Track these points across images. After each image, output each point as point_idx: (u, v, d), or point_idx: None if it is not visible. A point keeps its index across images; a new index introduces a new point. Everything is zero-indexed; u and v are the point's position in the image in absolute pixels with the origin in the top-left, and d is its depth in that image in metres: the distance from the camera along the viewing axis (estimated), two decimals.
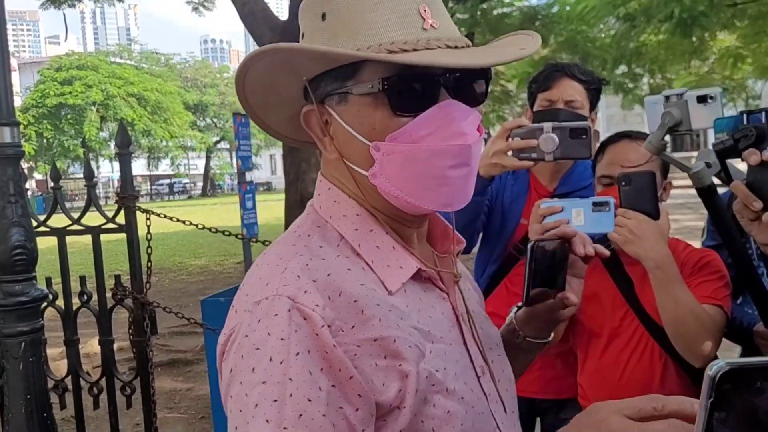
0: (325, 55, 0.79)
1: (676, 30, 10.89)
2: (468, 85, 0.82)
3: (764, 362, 0.51)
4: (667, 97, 1.60)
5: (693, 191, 1.54)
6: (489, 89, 0.90)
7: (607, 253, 1.01)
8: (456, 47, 0.80)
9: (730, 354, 2.23)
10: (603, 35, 14.34)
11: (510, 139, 1.69)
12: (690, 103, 1.55)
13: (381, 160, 0.80)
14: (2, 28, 2.52)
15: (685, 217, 13.00)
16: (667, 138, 1.59)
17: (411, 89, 0.79)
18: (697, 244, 1.81)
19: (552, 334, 1.08)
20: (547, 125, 1.66)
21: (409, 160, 0.79)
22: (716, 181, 1.52)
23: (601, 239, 1.64)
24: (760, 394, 0.51)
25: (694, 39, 11.51)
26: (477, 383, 0.85)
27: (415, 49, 0.78)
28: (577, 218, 1.53)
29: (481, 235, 2.11)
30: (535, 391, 2.00)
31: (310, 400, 0.69)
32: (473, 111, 0.82)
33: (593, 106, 2.00)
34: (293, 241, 0.83)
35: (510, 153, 1.69)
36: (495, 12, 15.02)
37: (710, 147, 1.51)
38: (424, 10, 0.80)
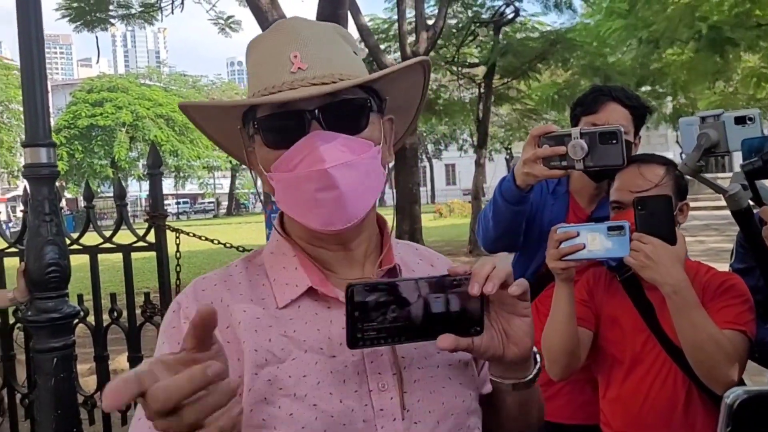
0: (212, 107, 0.99)
1: (703, 49, 10.85)
2: (342, 116, 0.91)
3: None
4: (704, 118, 1.57)
5: (718, 213, 1.55)
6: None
7: (517, 292, 0.85)
8: (322, 84, 0.89)
9: (760, 379, 2.19)
10: (623, 56, 14.32)
11: (539, 147, 1.64)
12: (727, 124, 1.51)
13: (276, 188, 0.93)
14: (41, 53, 2.62)
15: (710, 238, 12.79)
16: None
17: (281, 125, 0.91)
18: (722, 266, 1.79)
19: (526, 372, 0.94)
20: (576, 131, 1.59)
21: (288, 187, 0.91)
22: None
23: (618, 264, 1.64)
24: None
25: (717, 59, 11.43)
26: (358, 396, 0.90)
27: (280, 90, 0.90)
28: (593, 243, 1.52)
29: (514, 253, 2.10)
30: (564, 417, 1.97)
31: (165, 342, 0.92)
32: (342, 137, 0.90)
33: (637, 131, 1.96)
34: (233, 263, 1.02)
35: (540, 162, 1.64)
36: (518, 36, 15.11)
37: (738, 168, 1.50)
38: (295, 56, 0.91)
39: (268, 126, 0.92)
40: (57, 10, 11.43)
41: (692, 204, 1.83)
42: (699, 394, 1.59)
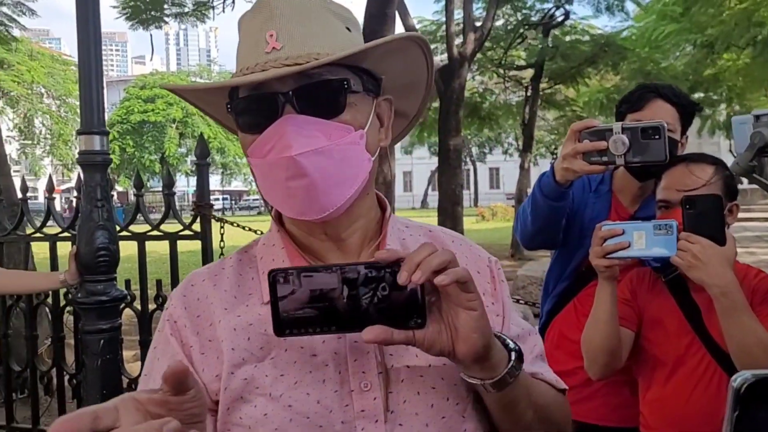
0: (191, 90, 0.95)
1: (760, 55, 10.53)
2: (318, 98, 0.86)
3: None
4: (758, 117, 1.52)
5: None
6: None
7: (444, 281, 0.75)
8: (296, 64, 0.84)
9: None
10: (676, 61, 13.99)
11: (579, 142, 1.62)
12: None
13: (255, 173, 0.90)
14: (98, 46, 2.71)
15: (761, 250, 12.40)
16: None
17: (254, 108, 0.88)
18: None
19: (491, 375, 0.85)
20: (617, 126, 1.56)
21: (262, 174, 0.88)
22: None
23: (664, 263, 1.61)
24: None
25: None
26: (338, 396, 0.85)
27: (252, 72, 0.86)
28: (639, 241, 1.50)
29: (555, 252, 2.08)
30: (600, 418, 1.96)
31: (151, 363, 0.94)
32: (315, 121, 0.85)
33: (685, 130, 1.91)
34: (228, 255, 1.01)
35: (580, 157, 1.62)
36: (567, 39, 14.90)
37: None
38: (270, 36, 0.87)
39: (242, 109, 0.89)
40: (114, 7, 11.77)
41: (744, 215, 1.80)
42: None
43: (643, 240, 1.50)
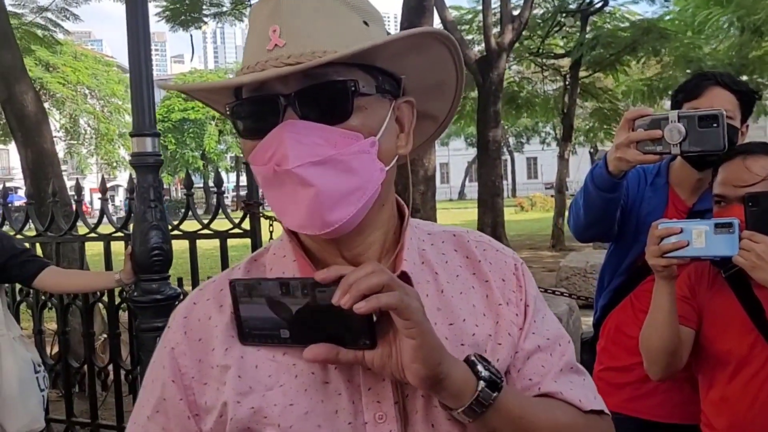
0: (191, 89, 0.88)
1: None
2: (323, 102, 0.78)
3: None
4: None
5: None
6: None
7: (359, 310, 0.70)
8: (297, 63, 0.76)
9: None
10: (719, 46, 13.60)
11: (632, 131, 1.58)
12: None
13: (257, 180, 0.83)
14: (147, 50, 2.77)
15: None
16: None
17: (250, 112, 0.81)
18: None
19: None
20: (673, 114, 1.52)
21: (263, 182, 0.81)
22: None
23: (725, 262, 1.55)
24: None
25: None
26: (351, 428, 0.81)
27: (252, 71, 0.79)
28: (698, 240, 1.45)
29: (612, 246, 2.06)
30: (660, 415, 1.92)
31: (153, 381, 0.88)
32: (318, 128, 0.77)
33: (745, 118, 1.86)
34: (238, 264, 0.94)
35: (634, 146, 1.57)
36: (607, 26, 14.63)
37: None
38: (273, 31, 0.79)
39: (241, 112, 0.82)
40: (156, 14, 12.03)
41: None
42: None
43: (702, 238, 1.46)
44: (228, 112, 0.84)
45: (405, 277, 0.85)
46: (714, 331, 1.63)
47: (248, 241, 3.02)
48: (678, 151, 1.53)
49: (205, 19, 12.63)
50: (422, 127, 0.93)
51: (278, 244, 0.91)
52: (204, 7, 12.06)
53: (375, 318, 0.75)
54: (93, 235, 3.45)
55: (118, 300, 3.41)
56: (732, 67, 13.32)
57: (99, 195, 3.42)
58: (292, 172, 0.76)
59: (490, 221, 11.31)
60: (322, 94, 0.78)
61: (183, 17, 11.96)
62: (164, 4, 11.87)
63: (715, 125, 1.49)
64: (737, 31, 11.56)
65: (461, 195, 52.77)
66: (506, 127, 31.85)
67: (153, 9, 12.11)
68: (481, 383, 0.78)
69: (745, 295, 1.60)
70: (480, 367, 0.79)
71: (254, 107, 0.81)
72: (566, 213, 2.08)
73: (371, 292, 0.71)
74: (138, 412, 0.88)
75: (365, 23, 0.83)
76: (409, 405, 0.82)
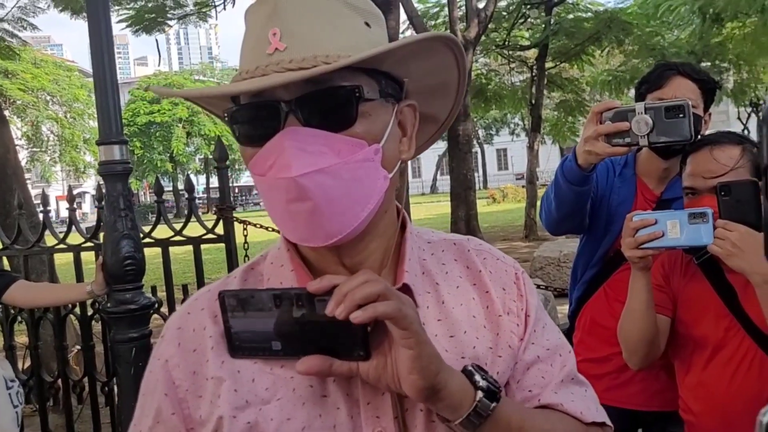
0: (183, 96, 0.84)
1: (766, 20, 10.43)
2: (326, 108, 0.75)
3: None
4: None
5: None
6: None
7: (356, 319, 0.69)
8: (300, 68, 0.74)
9: None
10: (679, 35, 13.85)
11: (600, 124, 1.59)
12: None
13: (257, 188, 0.80)
14: (111, 56, 2.72)
15: None
16: None
17: (250, 119, 0.78)
18: None
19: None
20: (639, 106, 1.54)
21: (263, 192, 0.78)
22: None
23: (698, 249, 1.57)
24: None
25: None
26: None
27: (252, 76, 0.76)
28: (673, 230, 1.47)
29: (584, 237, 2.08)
30: (639, 404, 1.95)
31: (143, 395, 0.87)
32: (321, 135, 0.74)
33: (707, 106, 1.90)
34: (234, 272, 0.91)
35: (602, 139, 1.58)
36: (570, 16, 14.78)
37: None
38: (273, 34, 0.76)
39: (241, 118, 0.79)
40: (118, 22, 11.85)
41: None
42: None
43: (677, 229, 1.47)
44: (226, 118, 0.81)
45: (406, 288, 0.83)
46: (689, 317, 1.65)
47: (223, 246, 2.99)
48: (646, 142, 1.55)
49: (170, 23, 12.46)
50: (423, 129, 0.91)
51: (276, 253, 0.88)
52: (168, 11, 11.89)
53: (369, 328, 0.73)
54: (62, 246, 3.38)
55: (90, 311, 3.34)
56: (694, 54, 13.56)
57: (66, 204, 3.35)
58: (296, 181, 0.73)
59: (463, 214, 11.37)
60: (326, 100, 0.75)
61: (146, 22, 11.79)
62: (126, 12, 11.69)
63: (681, 115, 1.51)
64: (698, 19, 11.77)
65: (433, 189, 52.92)
66: (475, 119, 32.02)
67: (115, 16, 11.94)
68: (479, 393, 0.77)
69: (718, 280, 1.62)
70: (477, 377, 0.78)
71: (254, 113, 0.77)
72: (538, 204, 2.09)
73: (366, 301, 0.69)
74: (138, 424, 0.86)
75: (367, 24, 0.81)
76: (408, 420, 0.81)
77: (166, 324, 0.88)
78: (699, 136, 1.66)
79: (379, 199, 0.80)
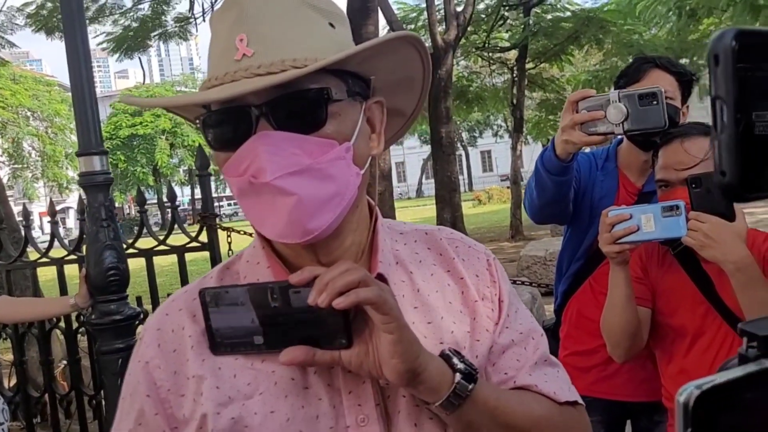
0: (154, 105, 0.85)
1: (741, 15, 10.58)
2: (296, 111, 0.77)
3: (740, 375, 0.44)
4: None
5: None
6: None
7: (339, 305, 0.71)
8: (269, 73, 0.75)
9: None
10: (659, 31, 14.01)
11: (576, 113, 1.60)
12: None
13: (232, 190, 0.82)
14: (89, 68, 2.71)
15: (759, 210, 12.47)
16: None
17: (222, 124, 0.80)
18: None
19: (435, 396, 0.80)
20: (614, 94, 1.55)
21: (239, 192, 0.80)
22: None
23: (674, 241, 1.59)
24: (746, 410, 0.43)
25: (757, 25, 11.12)
26: (330, 431, 0.80)
27: (222, 83, 0.77)
28: (647, 224, 1.50)
29: (568, 230, 2.09)
30: (627, 394, 1.97)
31: (124, 399, 0.88)
32: (293, 138, 0.76)
33: (685, 98, 1.92)
34: (210, 272, 0.93)
35: (578, 128, 1.59)
36: (548, 17, 14.90)
37: None
38: (240, 40, 0.77)
39: (212, 124, 0.81)
40: (99, 45, 11.80)
41: None
42: None
43: (651, 222, 1.50)
44: (198, 124, 0.83)
45: (380, 278, 0.85)
46: (668, 307, 1.68)
47: (207, 254, 2.98)
48: (621, 130, 1.56)
49: (151, 43, 12.44)
50: (390, 124, 0.93)
51: (251, 251, 0.90)
52: (149, 29, 11.87)
53: (351, 317, 0.75)
54: (45, 259, 3.35)
55: (75, 324, 3.32)
56: (672, 51, 13.72)
57: (48, 218, 3.33)
58: (271, 184, 0.75)
59: (449, 217, 11.40)
60: (295, 103, 0.77)
61: (127, 44, 11.75)
62: (106, 35, 11.67)
63: (654, 102, 1.53)
64: (675, 16, 11.92)
65: (419, 192, 53.05)
66: (458, 122, 32.18)
67: (96, 36, 11.91)
68: (458, 375, 0.79)
69: (694, 270, 1.65)
70: (455, 360, 0.80)
71: (225, 118, 0.79)
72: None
73: (348, 288, 0.71)
74: (117, 428, 0.87)
75: (331, 25, 0.83)
76: (390, 406, 0.83)
77: (145, 326, 0.89)
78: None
79: (353, 195, 0.82)
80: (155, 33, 12.07)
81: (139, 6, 11.69)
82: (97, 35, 11.81)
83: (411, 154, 57.20)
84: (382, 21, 10.09)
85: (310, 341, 0.75)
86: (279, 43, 0.78)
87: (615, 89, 1.95)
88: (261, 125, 0.77)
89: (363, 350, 0.76)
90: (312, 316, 0.74)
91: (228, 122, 0.79)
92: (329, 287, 0.71)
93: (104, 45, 11.94)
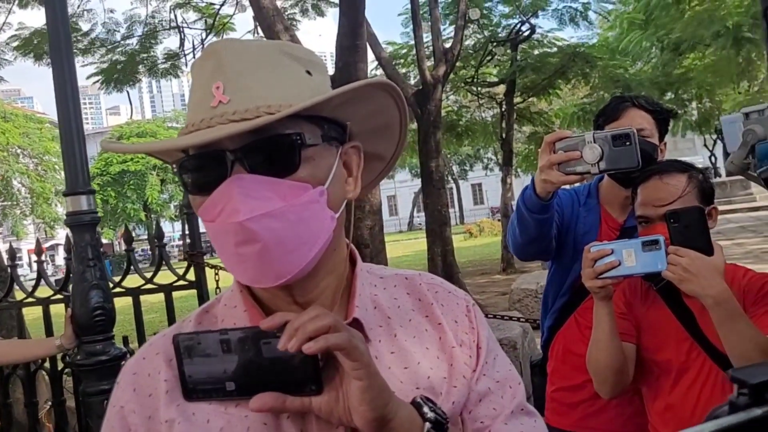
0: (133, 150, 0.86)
1: (725, 49, 10.81)
2: (271, 155, 0.79)
3: (730, 423, 0.44)
4: (747, 114, 1.53)
5: (753, 214, 1.51)
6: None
7: (309, 350, 0.71)
8: (243, 119, 0.77)
9: None
10: (644, 66, 14.27)
11: (553, 153, 1.64)
12: None
13: (208, 234, 0.83)
14: (77, 107, 2.73)
15: (749, 240, 12.53)
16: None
17: (198, 169, 0.81)
18: (765, 267, 1.76)
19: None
20: (589, 135, 1.59)
21: (213, 237, 0.81)
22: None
23: (656, 276, 1.60)
24: None
25: (740, 60, 11.36)
26: None
27: (198, 129, 0.79)
28: (629, 259, 1.51)
29: (552, 266, 2.10)
30: (614, 430, 1.96)
31: None
32: (266, 181, 0.78)
33: (662, 135, 1.97)
34: (189, 316, 0.93)
35: (556, 168, 1.63)
36: (535, 52, 15.15)
37: None
38: (217, 88, 0.80)
39: (189, 168, 0.82)
40: (88, 77, 11.91)
41: (726, 207, 1.81)
42: None
43: (632, 257, 1.52)
44: (175, 168, 0.84)
45: (357, 323, 0.86)
46: (653, 343, 1.68)
47: (195, 292, 2.96)
48: (597, 170, 1.59)
49: (139, 76, 12.54)
50: (370, 168, 0.94)
51: (229, 295, 0.91)
52: (139, 63, 11.98)
53: (321, 363, 0.75)
54: (31, 299, 3.32)
55: (61, 365, 3.27)
56: (657, 85, 13.95)
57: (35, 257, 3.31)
58: (243, 225, 0.76)
59: (440, 250, 11.39)
60: (269, 148, 0.79)
61: (116, 77, 11.85)
62: (95, 67, 11.77)
63: (628, 143, 1.56)
64: (658, 51, 12.16)
65: (410, 226, 53.07)
66: (449, 155, 32.39)
67: (87, 65, 11.98)
68: (427, 425, 0.78)
69: (676, 305, 1.66)
70: (426, 409, 0.80)
71: (202, 163, 0.81)
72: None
73: (317, 334, 0.72)
74: None
75: (308, 72, 0.85)
76: None
77: (122, 370, 0.90)
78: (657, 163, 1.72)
79: (327, 238, 0.82)
80: (145, 68, 12.17)
81: (127, 42, 11.82)
82: (85, 65, 11.88)
83: (402, 187, 57.43)
84: (371, 58, 10.23)
85: (282, 387, 0.75)
86: (254, 91, 0.80)
87: (594, 126, 2.00)
88: (236, 169, 0.78)
89: (333, 397, 0.76)
90: (283, 363, 0.74)
91: (204, 167, 0.81)
92: (299, 332, 0.72)
93: (94, 78, 12.01)
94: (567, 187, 1.85)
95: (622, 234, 1.95)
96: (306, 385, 0.75)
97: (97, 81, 12.18)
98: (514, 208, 1.93)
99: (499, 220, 19.73)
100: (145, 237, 38.04)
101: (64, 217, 2.74)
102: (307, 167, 0.80)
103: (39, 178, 24.39)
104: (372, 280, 0.94)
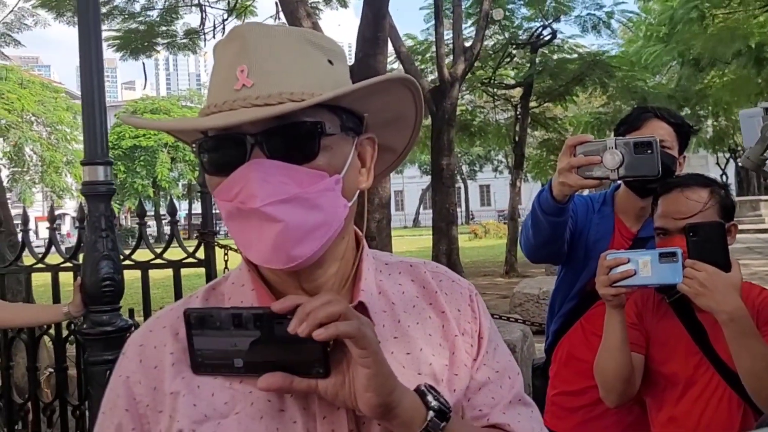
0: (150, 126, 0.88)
1: (746, 67, 10.75)
2: (290, 142, 0.80)
3: None
4: (767, 109, 1.52)
5: (761, 236, 1.50)
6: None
7: (319, 337, 0.72)
8: (267, 104, 0.78)
9: None
10: (662, 79, 14.21)
11: (574, 157, 1.64)
12: None
13: (221, 213, 0.84)
14: (101, 78, 2.74)
15: (755, 262, 12.49)
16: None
17: (217, 149, 0.82)
18: None
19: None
20: (611, 140, 1.59)
21: (228, 216, 0.82)
22: None
23: (669, 288, 1.61)
24: None
25: (760, 80, 11.29)
26: None
27: (221, 111, 0.80)
28: (645, 269, 1.51)
29: (562, 270, 2.11)
30: None
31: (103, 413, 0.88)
32: (284, 167, 0.79)
33: (682, 149, 1.96)
34: (196, 292, 0.94)
35: (575, 171, 1.63)
36: (555, 57, 15.11)
37: None
38: (241, 71, 0.80)
39: (208, 149, 0.83)
40: (106, 41, 11.90)
41: None
42: (755, 417, 1.55)
43: (648, 268, 1.51)
44: (194, 148, 0.85)
45: (362, 307, 0.87)
46: (661, 355, 1.68)
47: (202, 270, 2.98)
48: (616, 176, 1.59)
49: (158, 48, 12.54)
50: (380, 159, 0.95)
51: (237, 273, 0.92)
52: (157, 35, 11.97)
53: (329, 347, 0.76)
54: (40, 265, 3.35)
55: (65, 333, 3.30)
56: (675, 99, 13.90)
57: (46, 224, 3.33)
58: (259, 210, 0.77)
59: (445, 248, 11.41)
60: (289, 134, 0.79)
61: (134, 45, 11.84)
62: (114, 32, 11.74)
63: (649, 151, 1.56)
64: (678, 66, 12.11)
65: (416, 222, 53.09)
66: (459, 155, 32.37)
67: (104, 34, 12.00)
68: (431, 413, 0.80)
69: (688, 319, 1.66)
70: (429, 397, 0.81)
71: (221, 144, 0.82)
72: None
73: (329, 320, 0.73)
74: None
75: (330, 62, 0.86)
76: (363, 429, 0.83)
77: (128, 341, 0.91)
78: (675, 177, 1.72)
79: (339, 225, 0.84)
80: (164, 41, 12.16)
81: (147, 13, 11.81)
82: (105, 30, 11.91)
83: (410, 183, 57.41)
84: (390, 51, 10.22)
85: (289, 368, 0.77)
86: (278, 77, 0.80)
87: (615, 134, 1.99)
88: (255, 153, 0.79)
89: (339, 381, 0.77)
90: (291, 345, 0.75)
91: (223, 148, 0.82)
92: (310, 318, 0.73)
93: (111, 42, 11.99)
94: (583, 192, 1.85)
95: (635, 244, 1.95)
96: (313, 367, 0.77)
97: (114, 49, 12.16)
98: (528, 210, 1.93)
99: (505, 223, 19.69)
100: (152, 213, 38.15)
101: (73, 188, 2.76)
102: (325, 156, 0.81)
103: (51, 147, 24.48)
104: (377, 265, 0.95)
